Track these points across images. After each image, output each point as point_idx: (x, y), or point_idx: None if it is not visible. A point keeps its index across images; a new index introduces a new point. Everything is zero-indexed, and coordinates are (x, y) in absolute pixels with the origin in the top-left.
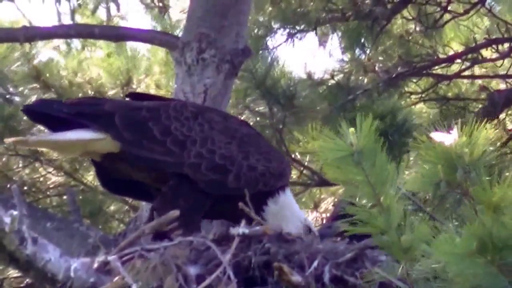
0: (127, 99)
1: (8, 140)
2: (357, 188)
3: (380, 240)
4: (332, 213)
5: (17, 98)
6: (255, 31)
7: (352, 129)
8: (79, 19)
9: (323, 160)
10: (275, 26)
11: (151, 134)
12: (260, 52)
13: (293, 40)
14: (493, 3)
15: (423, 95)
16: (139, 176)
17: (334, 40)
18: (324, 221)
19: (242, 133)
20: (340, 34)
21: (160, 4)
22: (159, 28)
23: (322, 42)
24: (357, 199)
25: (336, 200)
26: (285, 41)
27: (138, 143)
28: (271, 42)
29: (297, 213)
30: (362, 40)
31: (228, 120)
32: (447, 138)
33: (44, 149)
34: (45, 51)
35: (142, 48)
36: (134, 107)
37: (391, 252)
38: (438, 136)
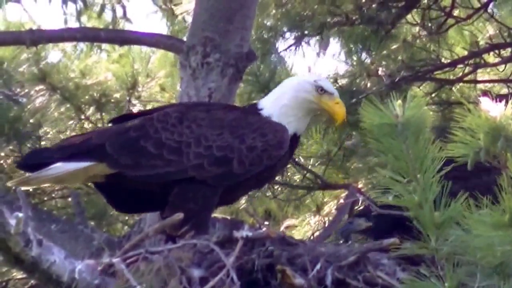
0: (110, 125)
1: (11, 183)
2: (396, 160)
3: (414, 214)
4: (335, 217)
5: (23, 100)
6: (262, 34)
7: (399, 101)
8: (85, 20)
9: (367, 127)
10: (282, 29)
11: (146, 151)
12: (265, 55)
13: (301, 44)
14: (497, 4)
15: (426, 99)
16: (146, 187)
17: (339, 44)
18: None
19: (229, 120)
20: (345, 38)
21: (172, 6)
22: (168, 32)
23: (323, 46)
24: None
25: (339, 203)
26: (292, 45)
27: (137, 165)
28: (278, 45)
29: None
30: (367, 45)
31: (211, 112)
32: (494, 108)
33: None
34: (52, 53)
35: (148, 50)
36: (121, 130)
37: (423, 227)
38: (487, 103)
